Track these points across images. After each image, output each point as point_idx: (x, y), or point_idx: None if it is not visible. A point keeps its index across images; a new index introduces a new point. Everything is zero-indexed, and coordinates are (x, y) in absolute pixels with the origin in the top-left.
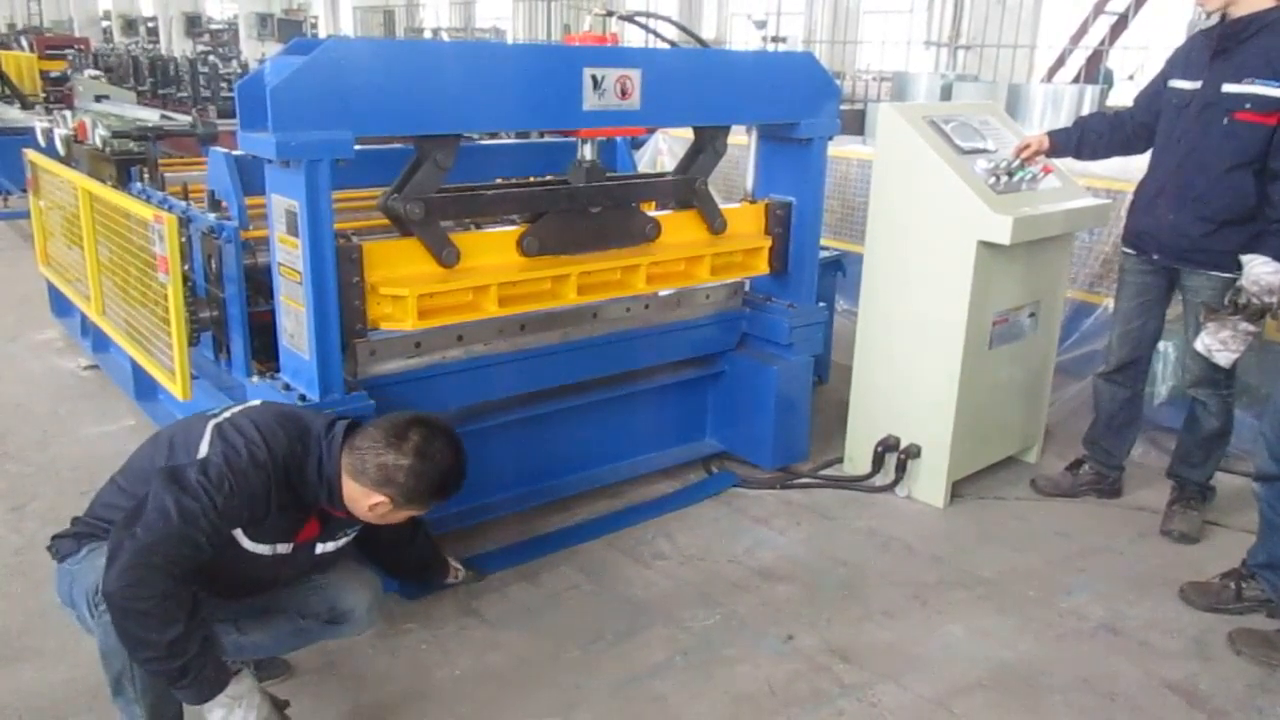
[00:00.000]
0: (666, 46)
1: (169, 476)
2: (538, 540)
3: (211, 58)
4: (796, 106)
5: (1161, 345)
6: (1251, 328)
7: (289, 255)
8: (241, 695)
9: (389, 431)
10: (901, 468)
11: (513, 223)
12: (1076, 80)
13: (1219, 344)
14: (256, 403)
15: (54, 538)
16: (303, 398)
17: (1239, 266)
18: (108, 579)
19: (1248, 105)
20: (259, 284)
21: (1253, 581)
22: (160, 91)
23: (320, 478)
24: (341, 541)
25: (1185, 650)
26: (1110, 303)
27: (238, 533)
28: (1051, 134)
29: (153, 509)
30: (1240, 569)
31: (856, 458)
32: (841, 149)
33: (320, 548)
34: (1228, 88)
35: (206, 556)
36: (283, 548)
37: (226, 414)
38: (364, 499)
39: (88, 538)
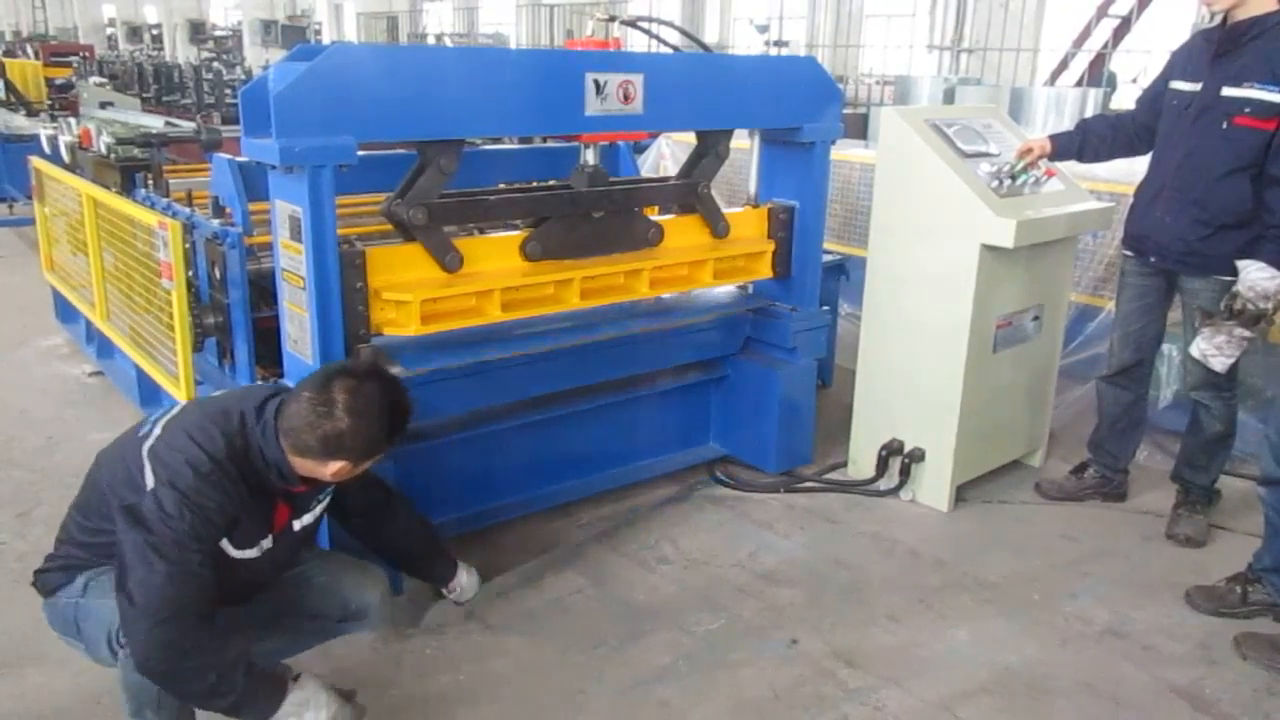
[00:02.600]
0: (669, 51)
1: (132, 521)
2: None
3: (215, 64)
4: (799, 110)
5: (1165, 348)
6: (1247, 333)
7: (292, 261)
8: (307, 700)
9: (314, 400)
10: (905, 471)
11: (515, 228)
12: (1079, 83)
13: (1214, 349)
14: (178, 408)
15: (37, 573)
16: None
17: (1236, 270)
18: (137, 655)
19: (1247, 110)
20: (262, 289)
21: (1258, 585)
22: (164, 98)
23: (267, 464)
24: (317, 510)
25: (1191, 654)
26: (1113, 306)
27: (224, 543)
28: (1054, 137)
29: (135, 563)
30: (1246, 573)
31: (860, 461)
32: (844, 153)
33: (299, 524)
34: (1227, 91)
35: (211, 580)
36: (265, 543)
37: (157, 430)
38: (322, 469)
39: (77, 569)
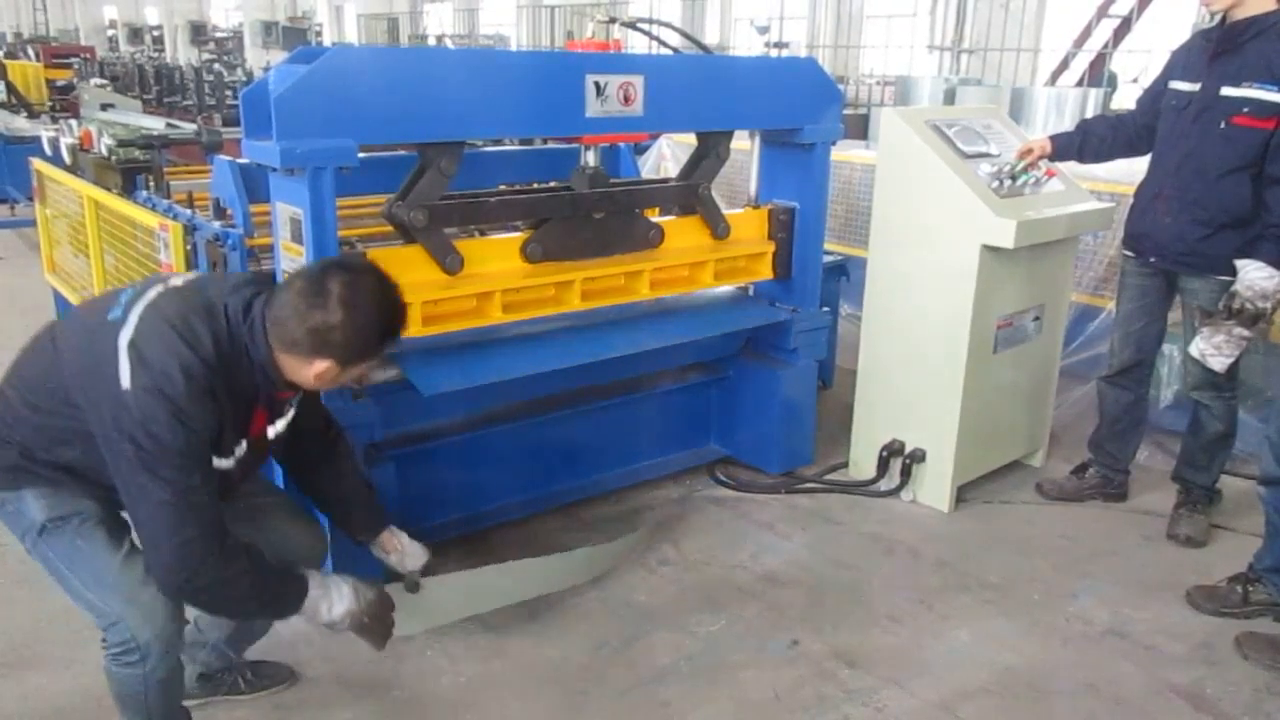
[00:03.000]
0: (669, 53)
1: (120, 434)
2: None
3: (216, 66)
4: (799, 111)
5: (1166, 348)
6: (1246, 333)
7: (294, 263)
8: (326, 583)
9: (306, 290)
10: (906, 472)
11: (516, 229)
12: (1080, 84)
13: (1213, 349)
14: (154, 291)
15: None
16: None
17: (1235, 270)
18: (159, 578)
19: (1245, 109)
20: None
21: (1259, 585)
22: (165, 100)
23: (253, 365)
24: (289, 415)
25: (1192, 655)
26: (1114, 306)
27: None
28: (1054, 137)
29: (136, 493)
30: (1247, 573)
31: (861, 462)
32: (845, 153)
33: (272, 431)
34: (1226, 91)
35: (214, 490)
36: (240, 449)
37: (133, 319)
38: (306, 369)
39: (21, 474)
